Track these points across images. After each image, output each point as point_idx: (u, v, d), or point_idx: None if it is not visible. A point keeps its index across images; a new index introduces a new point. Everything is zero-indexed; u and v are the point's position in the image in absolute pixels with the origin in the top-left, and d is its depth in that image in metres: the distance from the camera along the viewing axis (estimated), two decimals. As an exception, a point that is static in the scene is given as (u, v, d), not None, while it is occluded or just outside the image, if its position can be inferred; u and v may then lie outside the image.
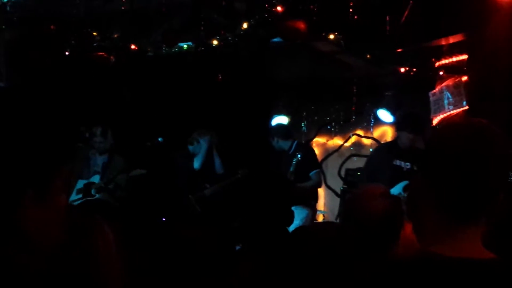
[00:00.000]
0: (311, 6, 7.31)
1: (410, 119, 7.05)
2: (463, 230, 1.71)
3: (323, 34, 7.69)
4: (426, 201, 1.76)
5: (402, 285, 1.62)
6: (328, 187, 10.21)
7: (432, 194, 1.74)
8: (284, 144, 8.12)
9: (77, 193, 7.81)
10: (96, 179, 7.90)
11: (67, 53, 8.49)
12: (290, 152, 8.02)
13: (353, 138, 10.29)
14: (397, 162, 7.16)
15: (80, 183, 7.88)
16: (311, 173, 7.91)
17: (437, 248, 1.69)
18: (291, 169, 7.73)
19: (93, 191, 7.81)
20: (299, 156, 7.73)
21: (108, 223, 1.94)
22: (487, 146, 1.69)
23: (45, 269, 1.71)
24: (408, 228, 2.99)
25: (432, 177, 1.75)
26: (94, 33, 8.35)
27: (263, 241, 3.08)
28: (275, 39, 8.04)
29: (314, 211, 8.12)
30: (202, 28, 8.13)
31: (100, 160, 8.10)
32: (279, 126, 9.02)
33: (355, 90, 9.52)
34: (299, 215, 7.32)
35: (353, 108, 9.69)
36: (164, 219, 7.77)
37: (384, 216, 2.88)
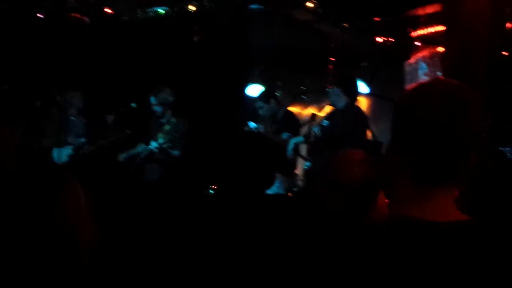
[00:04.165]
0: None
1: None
2: (435, 193, 1.66)
3: (301, 1, 7.65)
4: (397, 165, 1.70)
5: (376, 250, 1.58)
6: (300, 156, 10.21)
7: (402, 157, 1.68)
8: (275, 109, 8.21)
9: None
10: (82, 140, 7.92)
11: (41, 16, 8.34)
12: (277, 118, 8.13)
13: (328, 108, 10.29)
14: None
15: (68, 149, 7.88)
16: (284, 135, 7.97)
17: (409, 211, 1.64)
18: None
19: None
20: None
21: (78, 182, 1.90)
22: (455, 105, 1.63)
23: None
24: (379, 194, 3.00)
25: (400, 139, 1.71)
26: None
27: (244, 203, 3.06)
28: (253, 6, 7.98)
29: (292, 175, 8.16)
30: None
31: (79, 122, 8.06)
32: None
33: (330, 60, 9.49)
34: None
35: (331, 78, 9.68)
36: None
37: (364, 182, 2.88)
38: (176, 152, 7.69)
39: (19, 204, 1.74)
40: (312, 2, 7.63)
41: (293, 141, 7.48)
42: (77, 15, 8.14)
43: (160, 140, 7.58)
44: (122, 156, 7.89)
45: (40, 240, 1.72)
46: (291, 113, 8.76)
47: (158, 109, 7.82)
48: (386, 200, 2.93)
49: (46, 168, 1.93)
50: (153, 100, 7.79)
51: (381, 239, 1.60)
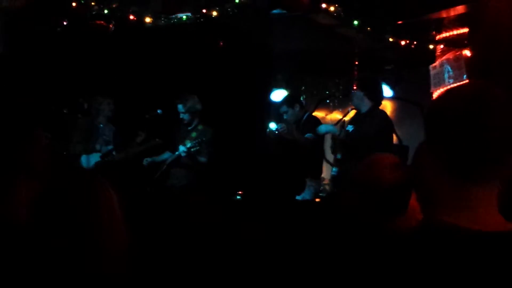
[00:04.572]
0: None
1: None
2: (472, 195, 1.63)
3: (324, 6, 7.64)
4: (431, 166, 1.68)
5: (411, 260, 1.54)
6: (327, 161, 10.19)
7: (437, 159, 1.66)
8: (300, 114, 8.20)
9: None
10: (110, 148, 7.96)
11: (65, 23, 8.41)
12: (301, 122, 8.12)
13: (352, 113, 10.26)
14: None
15: (96, 156, 7.92)
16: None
17: (445, 216, 1.61)
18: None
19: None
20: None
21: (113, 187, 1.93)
22: (488, 105, 1.62)
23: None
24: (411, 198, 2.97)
25: (433, 141, 1.69)
26: (93, 3, 8.27)
27: (270, 209, 3.04)
28: (275, 11, 7.99)
29: (319, 181, 8.14)
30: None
31: (107, 129, 8.10)
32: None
33: (354, 64, 9.47)
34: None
35: (355, 83, 9.65)
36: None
37: (395, 186, 2.86)
38: (203, 159, 7.71)
39: (53, 207, 1.77)
40: (334, 6, 7.62)
41: (324, 127, 7.48)
42: (102, 22, 8.19)
43: (188, 144, 7.61)
44: (146, 160, 7.92)
45: (73, 241, 1.76)
46: (314, 117, 8.75)
47: (185, 117, 7.85)
48: (418, 204, 2.90)
49: (82, 173, 1.97)
50: (181, 108, 7.83)
51: (417, 248, 1.56)
